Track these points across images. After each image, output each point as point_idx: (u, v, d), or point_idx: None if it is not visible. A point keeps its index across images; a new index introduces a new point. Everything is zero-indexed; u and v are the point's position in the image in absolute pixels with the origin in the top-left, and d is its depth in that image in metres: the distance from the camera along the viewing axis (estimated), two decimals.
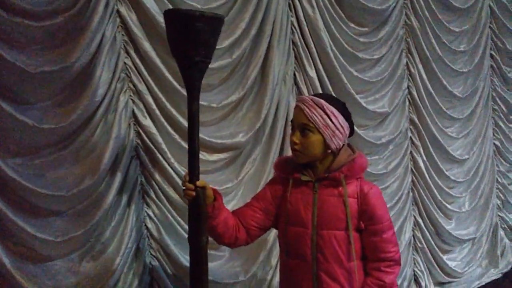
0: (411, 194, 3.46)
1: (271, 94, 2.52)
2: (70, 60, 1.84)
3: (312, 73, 2.74)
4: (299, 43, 2.68)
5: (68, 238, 1.92)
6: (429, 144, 3.49)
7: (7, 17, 1.69)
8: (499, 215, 4.29)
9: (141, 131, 2.15)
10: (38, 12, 1.76)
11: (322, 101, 1.74)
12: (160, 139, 2.18)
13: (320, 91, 2.74)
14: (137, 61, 2.11)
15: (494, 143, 4.19)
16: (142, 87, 2.13)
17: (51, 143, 1.90)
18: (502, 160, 4.28)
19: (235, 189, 2.50)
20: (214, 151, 2.39)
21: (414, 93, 3.39)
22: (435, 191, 3.57)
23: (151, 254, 2.25)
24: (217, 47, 1.75)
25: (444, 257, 3.69)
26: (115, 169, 2.05)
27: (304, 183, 1.83)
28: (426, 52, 3.39)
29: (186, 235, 1.77)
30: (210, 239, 1.76)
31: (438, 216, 3.60)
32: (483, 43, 3.90)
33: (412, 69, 3.36)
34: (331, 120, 1.73)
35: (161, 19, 2.03)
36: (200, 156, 1.78)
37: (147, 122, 2.16)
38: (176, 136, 2.24)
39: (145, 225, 2.23)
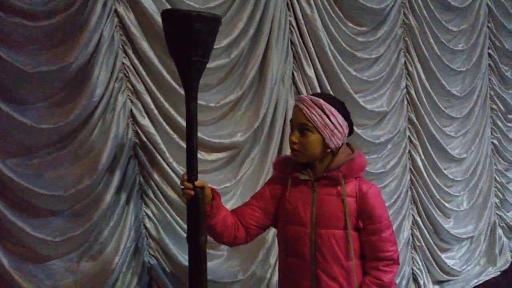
0: (409, 193, 3.47)
1: (270, 94, 2.52)
2: (68, 60, 1.84)
3: (310, 72, 2.74)
4: (297, 43, 2.68)
5: (66, 238, 1.92)
6: (427, 143, 3.50)
7: (4, 17, 1.69)
8: (497, 214, 4.30)
9: (139, 130, 2.15)
10: (36, 12, 1.76)
11: (321, 101, 1.74)
12: (158, 139, 2.18)
13: (319, 91, 2.75)
14: (135, 61, 2.11)
15: (492, 142, 4.20)
16: (140, 86, 2.13)
17: (49, 143, 1.90)
18: (500, 159, 4.30)
19: (234, 189, 2.50)
20: (212, 150, 2.39)
21: (413, 92, 3.39)
22: (434, 190, 3.57)
23: (149, 253, 2.25)
24: (215, 46, 1.75)
25: (443, 256, 3.69)
26: (114, 168, 2.05)
27: (303, 182, 1.83)
28: (424, 51, 3.39)
29: (185, 235, 1.77)
30: (209, 238, 1.76)
31: (436, 214, 3.61)
32: (481, 42, 3.91)
33: (410, 68, 3.36)
34: (330, 119, 1.73)
35: (159, 18, 2.03)
36: (199, 155, 1.79)
37: (145, 121, 2.16)
38: (175, 136, 2.24)
39: (144, 224, 2.22)
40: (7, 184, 1.76)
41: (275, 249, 2.56)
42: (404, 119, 3.38)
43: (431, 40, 3.43)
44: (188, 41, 1.57)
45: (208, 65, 1.71)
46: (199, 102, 1.74)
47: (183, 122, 2.15)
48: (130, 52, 2.10)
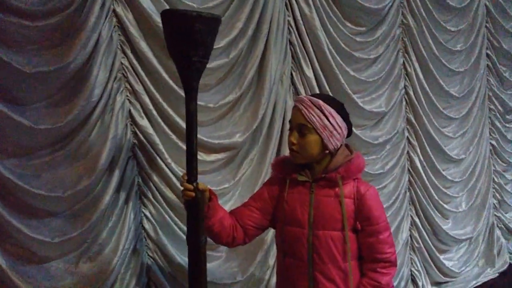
0: (408, 194, 3.47)
1: (268, 94, 2.52)
2: (66, 60, 1.83)
3: (309, 72, 2.74)
4: (296, 43, 2.68)
5: (65, 239, 1.92)
6: (426, 144, 3.50)
7: (3, 17, 1.68)
8: (495, 215, 4.31)
9: (138, 131, 2.15)
10: (34, 11, 1.75)
11: (320, 102, 1.74)
12: (157, 139, 2.17)
13: (317, 91, 2.75)
14: (134, 61, 2.10)
15: (490, 143, 4.20)
16: (138, 87, 2.13)
17: (47, 144, 1.89)
18: (499, 160, 4.30)
19: (232, 190, 2.50)
20: (211, 151, 2.39)
21: (411, 92, 3.39)
22: (432, 191, 3.58)
23: (148, 254, 2.24)
24: (214, 47, 1.75)
25: (441, 257, 3.70)
26: (112, 169, 2.04)
27: (301, 183, 1.82)
28: (422, 51, 3.39)
29: (183, 236, 1.77)
30: (208, 239, 1.76)
31: (435, 215, 3.61)
32: (479, 42, 3.91)
33: (408, 69, 3.37)
34: (328, 120, 1.73)
35: (157, 18, 2.03)
36: (197, 156, 1.78)
37: (144, 122, 2.15)
38: (173, 136, 2.23)
39: (142, 225, 2.22)
40: (5, 184, 1.75)
41: (274, 251, 2.55)
42: (403, 119, 3.38)
43: (430, 41, 3.44)
44: (188, 42, 1.57)
45: (207, 65, 1.70)
46: (198, 102, 1.73)
47: (182, 123, 2.16)
48: (128, 52, 2.09)
